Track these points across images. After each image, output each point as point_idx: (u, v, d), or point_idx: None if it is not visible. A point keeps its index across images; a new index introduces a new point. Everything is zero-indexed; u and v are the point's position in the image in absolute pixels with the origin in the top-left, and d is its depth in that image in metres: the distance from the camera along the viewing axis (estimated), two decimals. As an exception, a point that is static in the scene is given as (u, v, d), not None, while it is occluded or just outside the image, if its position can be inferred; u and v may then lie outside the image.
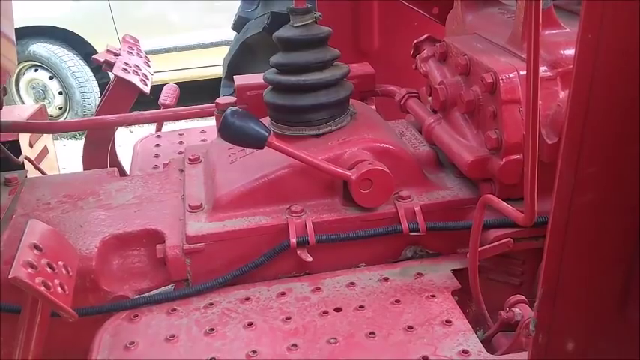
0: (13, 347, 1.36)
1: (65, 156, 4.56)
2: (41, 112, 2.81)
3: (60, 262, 1.36)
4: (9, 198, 2.05)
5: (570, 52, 1.67)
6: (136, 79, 2.67)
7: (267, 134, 1.71)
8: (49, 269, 1.31)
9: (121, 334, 1.58)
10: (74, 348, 1.60)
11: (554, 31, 1.75)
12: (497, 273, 1.81)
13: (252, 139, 1.71)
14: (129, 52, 2.86)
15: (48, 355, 1.44)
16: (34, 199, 2.05)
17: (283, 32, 1.88)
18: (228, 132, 1.70)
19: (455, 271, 1.74)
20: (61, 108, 7.33)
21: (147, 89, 2.72)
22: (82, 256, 1.70)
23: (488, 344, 1.57)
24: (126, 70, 2.68)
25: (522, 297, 1.55)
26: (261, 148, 1.73)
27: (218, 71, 4.71)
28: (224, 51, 4.31)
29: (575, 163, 0.93)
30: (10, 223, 1.90)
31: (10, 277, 1.22)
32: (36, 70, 7.26)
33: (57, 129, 2.88)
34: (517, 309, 1.53)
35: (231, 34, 4.26)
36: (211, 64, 6.79)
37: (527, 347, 1.17)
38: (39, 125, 2.62)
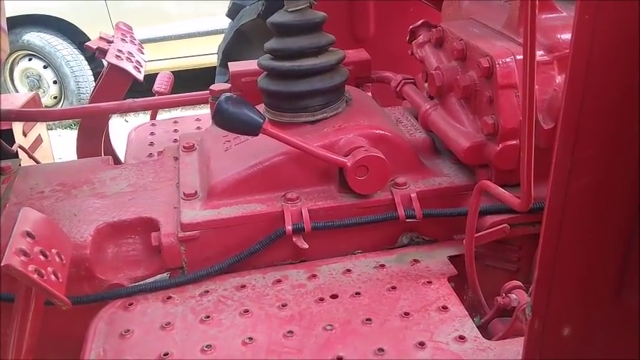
0: (8, 336, 1.35)
1: (60, 146, 4.54)
2: (34, 100, 2.79)
3: (53, 250, 1.35)
4: (2, 187, 2.04)
5: (567, 36, 1.65)
6: (129, 67, 2.65)
7: (261, 120, 1.69)
8: (41, 257, 1.29)
9: (117, 322, 1.57)
10: (69, 337, 1.58)
11: (551, 15, 1.73)
12: (493, 259, 1.81)
13: (247, 125, 1.69)
14: (122, 39, 2.83)
15: (43, 345, 1.43)
16: (27, 187, 2.04)
17: (277, 17, 1.86)
18: (221, 118, 1.69)
19: (451, 258, 1.74)
20: (55, 97, 7.29)
21: (140, 76, 2.70)
22: (76, 244, 1.69)
23: (485, 330, 1.57)
24: (119, 57, 2.66)
25: (519, 283, 1.54)
26: (256, 134, 1.71)
27: (213, 60, 4.67)
28: (219, 39, 4.27)
29: (571, 146, 0.92)
30: (4, 212, 1.89)
31: (2, 265, 1.21)
32: (30, 60, 7.21)
33: (50, 117, 2.85)
34: (514, 295, 1.53)
35: (227, 22, 4.23)
36: (206, 53, 6.75)
37: (523, 333, 1.16)
38: (31, 113, 2.60)
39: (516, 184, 1.47)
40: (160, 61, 6.69)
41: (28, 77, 7.27)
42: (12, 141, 2.56)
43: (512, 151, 1.67)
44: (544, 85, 1.62)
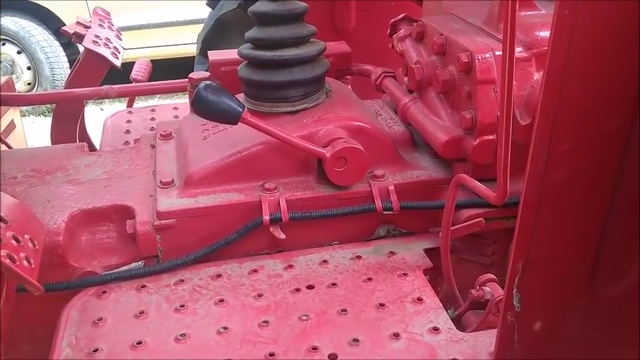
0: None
1: (33, 133, 4.46)
2: (8, 85, 2.73)
3: (26, 236, 1.32)
4: (-27, 171, 2.00)
5: (546, 33, 1.67)
6: (106, 52, 2.61)
7: (241, 110, 1.68)
8: (14, 242, 1.27)
9: (90, 310, 1.55)
10: (41, 324, 1.56)
11: (530, 13, 1.75)
12: (468, 253, 1.83)
13: (226, 114, 1.68)
14: (100, 25, 2.79)
15: (15, 332, 1.41)
16: None
17: (259, 6, 1.85)
18: (200, 106, 1.67)
19: (427, 250, 1.75)
20: (29, 84, 7.15)
21: (118, 63, 2.66)
22: (49, 231, 1.66)
23: (459, 322, 1.59)
24: (96, 42, 2.62)
25: (493, 276, 1.56)
26: (235, 123, 1.70)
27: (192, 49, 4.63)
28: (199, 28, 4.24)
29: (548, 139, 0.93)
30: (-25, 197, 1.85)
31: None
32: (3, 45, 7.05)
33: (24, 101, 2.80)
34: (487, 288, 1.55)
35: (207, 11, 4.19)
36: (185, 42, 6.68)
37: (496, 325, 1.18)
38: (5, 98, 2.55)
39: (493, 178, 1.49)
40: (138, 49, 6.60)
41: (1, 62, 7.12)
42: (-16, 126, 2.51)
43: (490, 146, 1.69)
44: (522, 82, 1.64)
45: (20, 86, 6.98)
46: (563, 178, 0.95)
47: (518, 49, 1.65)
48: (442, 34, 1.84)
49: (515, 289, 1.03)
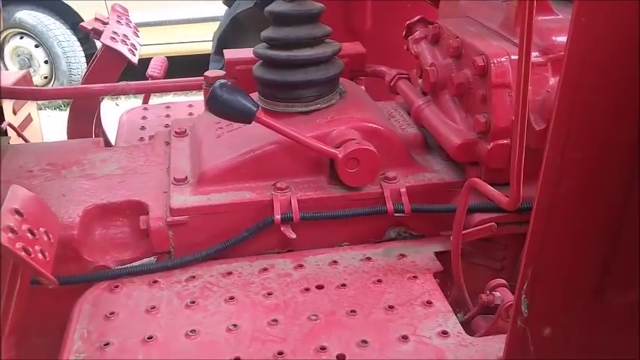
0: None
1: (49, 127, 4.50)
2: (26, 78, 2.76)
3: (41, 229, 1.34)
4: (-10, 164, 2.02)
5: (562, 38, 1.67)
6: (124, 49, 2.63)
7: (255, 109, 1.69)
8: (29, 235, 1.29)
9: (102, 304, 1.57)
10: (54, 317, 1.58)
11: (547, 17, 1.74)
12: (479, 257, 1.83)
13: (240, 113, 1.69)
14: (117, 21, 2.81)
15: (26, 325, 1.42)
16: (16, 166, 2.02)
17: (275, 6, 1.86)
18: (215, 105, 1.69)
19: (438, 254, 1.75)
20: (46, 77, 7.22)
21: (135, 59, 2.68)
22: (64, 224, 1.68)
23: (468, 326, 1.58)
24: (114, 39, 2.64)
25: (503, 281, 1.56)
26: (249, 122, 1.71)
27: (207, 47, 4.65)
28: (215, 26, 4.26)
29: (562, 147, 0.93)
30: (-9, 189, 1.88)
31: None
32: (21, 38, 7.13)
33: (42, 96, 2.83)
34: (497, 293, 1.54)
35: (223, 9, 4.21)
36: (201, 40, 6.71)
37: (505, 331, 1.17)
38: (23, 91, 2.58)
39: (505, 183, 1.48)
40: (154, 45, 6.64)
41: (18, 56, 7.20)
42: (1, 119, 2.54)
43: (503, 150, 1.68)
44: (537, 87, 1.63)
45: (37, 80, 7.05)
46: (576, 185, 0.95)
47: (534, 54, 1.64)
48: (458, 37, 1.84)
49: (523, 295, 1.03)
